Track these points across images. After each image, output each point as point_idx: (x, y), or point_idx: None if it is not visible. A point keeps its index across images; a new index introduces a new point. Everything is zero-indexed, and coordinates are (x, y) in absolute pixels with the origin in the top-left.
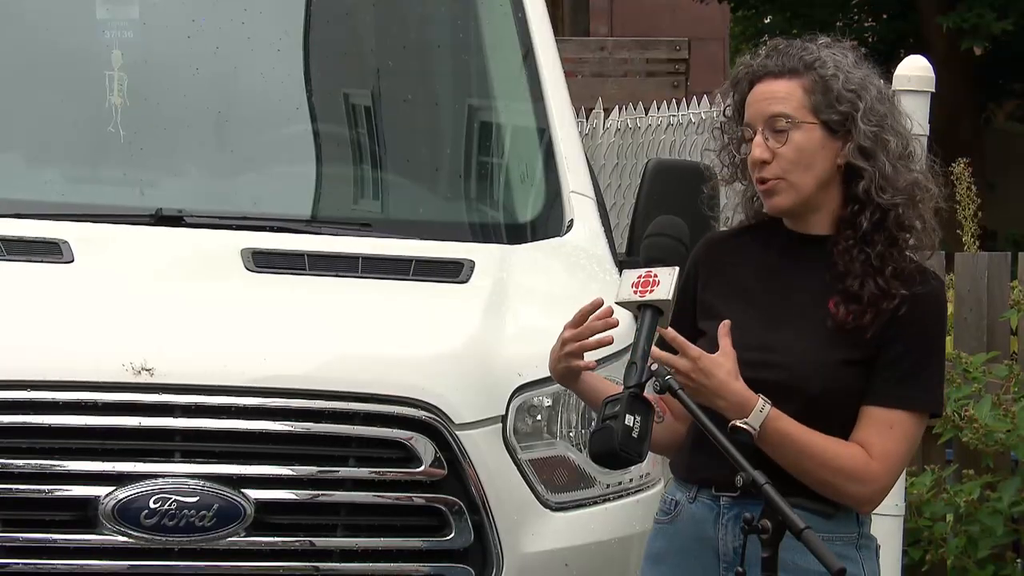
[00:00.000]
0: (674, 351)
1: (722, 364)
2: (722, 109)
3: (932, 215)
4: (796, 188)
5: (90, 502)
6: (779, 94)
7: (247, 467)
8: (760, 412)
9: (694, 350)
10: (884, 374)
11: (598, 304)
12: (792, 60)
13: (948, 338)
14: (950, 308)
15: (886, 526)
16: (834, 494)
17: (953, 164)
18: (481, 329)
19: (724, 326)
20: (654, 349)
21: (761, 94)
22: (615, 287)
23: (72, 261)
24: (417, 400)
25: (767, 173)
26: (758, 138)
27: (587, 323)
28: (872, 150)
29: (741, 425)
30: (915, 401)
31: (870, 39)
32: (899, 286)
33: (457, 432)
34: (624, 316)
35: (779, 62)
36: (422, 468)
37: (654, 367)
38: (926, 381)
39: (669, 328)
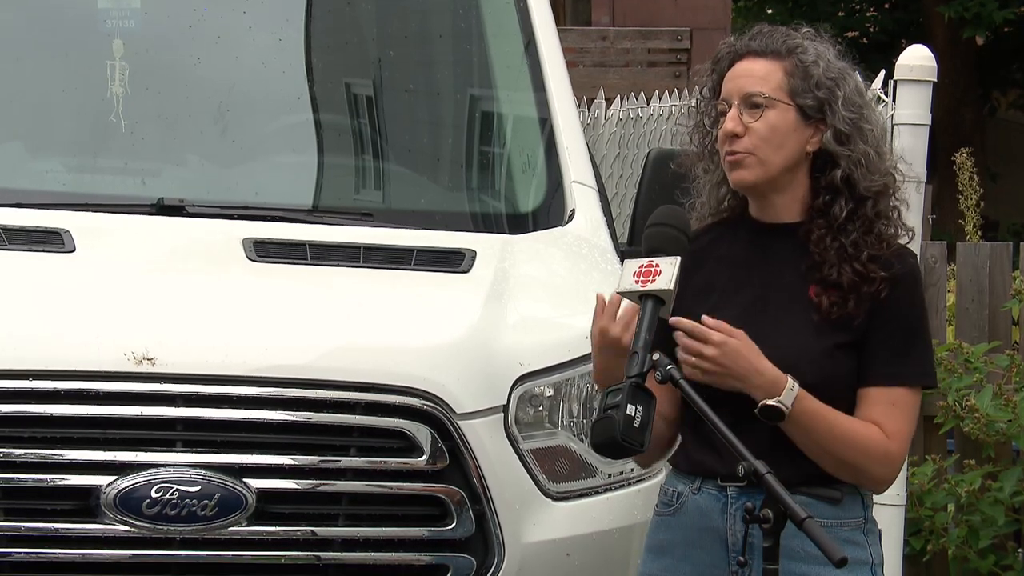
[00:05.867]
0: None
1: (749, 345)
2: (699, 88)
3: (900, 211)
4: (764, 165)
5: (92, 491)
6: (759, 73)
7: (249, 456)
8: (791, 391)
9: (716, 335)
10: (877, 355)
11: (601, 299)
12: (775, 43)
13: (950, 328)
14: (951, 298)
15: (887, 516)
16: (855, 475)
17: (956, 154)
18: (482, 319)
19: (708, 320)
20: (683, 337)
21: (741, 71)
22: (617, 277)
23: (73, 251)
24: (418, 390)
25: (737, 146)
26: (732, 111)
27: (604, 314)
28: (851, 136)
29: (773, 403)
30: (911, 377)
31: (872, 29)
32: (877, 269)
33: (458, 422)
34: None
35: (762, 43)
36: (423, 458)
37: (656, 357)
38: (918, 356)
39: (681, 319)
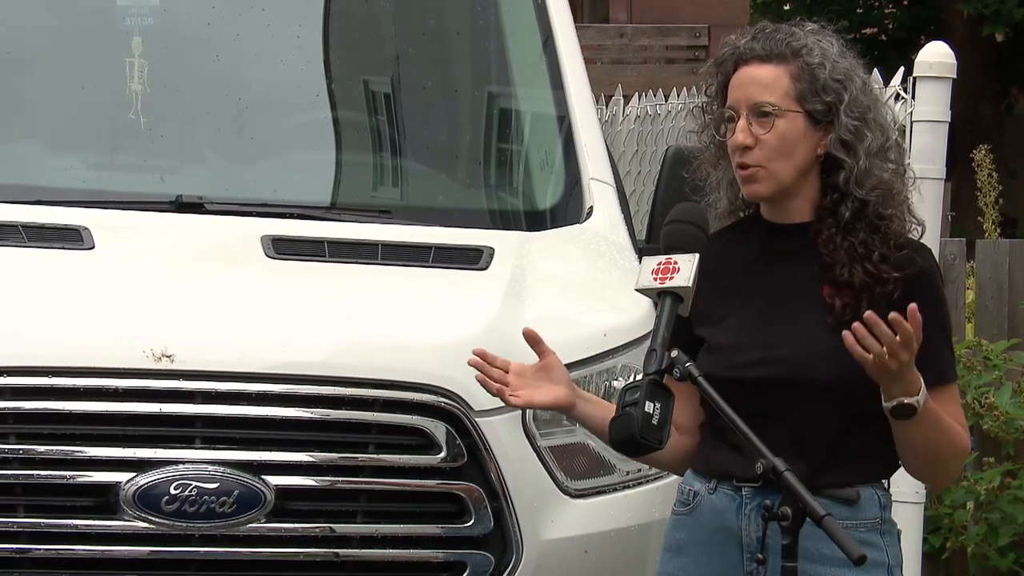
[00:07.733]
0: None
1: None
2: (704, 89)
3: (909, 205)
4: (776, 176)
5: (111, 488)
6: (765, 80)
7: (267, 453)
8: (923, 390)
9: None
10: (919, 358)
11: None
12: (779, 45)
13: (969, 325)
14: (970, 296)
15: (906, 513)
16: (937, 472)
17: (974, 151)
18: (500, 316)
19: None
20: (884, 329)
21: (747, 78)
22: (635, 274)
23: (93, 248)
24: (436, 387)
25: (749, 159)
26: (742, 122)
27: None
28: (852, 144)
29: (911, 402)
30: (947, 374)
31: (890, 26)
32: (889, 270)
33: (476, 419)
34: (644, 303)
35: (766, 46)
36: (441, 455)
37: (674, 354)
38: (948, 352)
39: (870, 312)
